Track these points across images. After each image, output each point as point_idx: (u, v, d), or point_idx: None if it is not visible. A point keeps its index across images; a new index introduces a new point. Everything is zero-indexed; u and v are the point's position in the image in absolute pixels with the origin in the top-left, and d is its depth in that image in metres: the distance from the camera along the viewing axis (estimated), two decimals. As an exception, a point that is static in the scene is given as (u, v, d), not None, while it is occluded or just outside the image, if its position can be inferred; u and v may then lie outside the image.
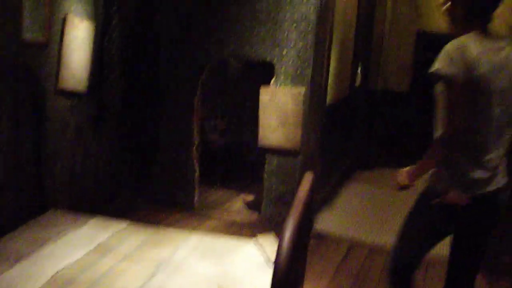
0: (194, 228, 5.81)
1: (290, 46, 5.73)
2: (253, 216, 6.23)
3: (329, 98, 6.51)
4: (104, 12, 5.35)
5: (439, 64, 2.82)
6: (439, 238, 3.17)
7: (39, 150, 4.68)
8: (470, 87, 2.77)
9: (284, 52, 5.74)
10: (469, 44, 2.79)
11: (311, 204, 3.26)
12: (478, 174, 2.88)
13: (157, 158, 6.40)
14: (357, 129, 8.92)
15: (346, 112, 7.95)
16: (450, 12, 3.03)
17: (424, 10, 9.48)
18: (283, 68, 5.76)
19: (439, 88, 2.96)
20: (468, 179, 2.88)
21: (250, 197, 6.73)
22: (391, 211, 7.14)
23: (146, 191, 6.45)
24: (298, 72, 5.72)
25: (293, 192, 5.80)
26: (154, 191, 6.45)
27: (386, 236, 6.13)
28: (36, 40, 4.55)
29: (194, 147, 6.25)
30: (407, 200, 7.62)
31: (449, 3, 3.00)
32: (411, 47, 9.59)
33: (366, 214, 6.87)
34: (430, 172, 3.06)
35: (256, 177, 6.74)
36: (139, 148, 6.29)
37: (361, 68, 8.43)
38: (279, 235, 2.26)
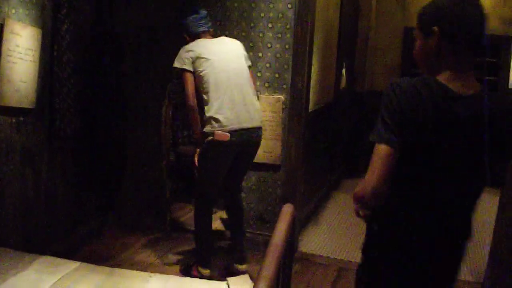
0: (166, 253, 5.24)
1: (266, 48, 5.19)
2: (232, 237, 5.61)
3: (312, 104, 5.91)
4: (52, 16, 4.68)
5: (175, 63, 4.53)
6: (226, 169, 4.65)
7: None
8: (203, 74, 4.44)
9: (260, 55, 5.19)
10: (194, 46, 4.54)
11: (292, 241, 2.87)
12: (230, 118, 4.39)
13: (123, 177, 5.81)
14: (344, 135, 8.35)
15: (331, 117, 7.37)
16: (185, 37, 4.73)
17: (411, 6, 9.03)
18: (259, 73, 5.19)
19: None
20: (223, 123, 4.36)
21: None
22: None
23: (112, 215, 5.85)
24: (276, 77, 5.17)
25: (274, 211, 5.28)
26: (121, 213, 5.86)
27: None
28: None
29: (164, 162, 5.66)
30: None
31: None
32: (399, 45, 9.11)
33: (356, 230, 6.28)
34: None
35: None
36: (102, 168, 5.66)
37: (346, 70, 7.85)
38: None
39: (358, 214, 2.54)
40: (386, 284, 2.39)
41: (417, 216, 2.25)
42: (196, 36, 4.67)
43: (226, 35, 5.21)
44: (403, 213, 2.25)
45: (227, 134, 4.37)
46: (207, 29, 4.71)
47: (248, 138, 4.53)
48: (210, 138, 4.41)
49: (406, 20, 9.06)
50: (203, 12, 4.73)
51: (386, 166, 2.15)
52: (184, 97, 4.56)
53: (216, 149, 4.45)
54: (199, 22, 4.67)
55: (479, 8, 2.19)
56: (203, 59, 4.48)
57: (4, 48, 4.10)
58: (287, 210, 2.83)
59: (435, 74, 2.22)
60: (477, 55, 2.24)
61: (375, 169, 2.17)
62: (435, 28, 2.24)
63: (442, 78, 2.18)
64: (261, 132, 4.65)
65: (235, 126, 4.42)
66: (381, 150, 2.17)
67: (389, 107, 2.14)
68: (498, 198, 4.78)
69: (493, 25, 8.61)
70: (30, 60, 4.40)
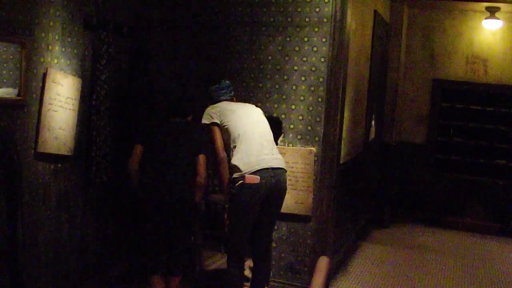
0: (195, 302, 5.27)
1: (298, 100, 5.27)
2: (261, 287, 5.60)
3: (342, 156, 5.96)
4: (91, 66, 4.82)
5: (204, 120, 4.81)
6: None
7: (15, 222, 4.09)
8: (229, 124, 4.71)
9: (293, 107, 5.27)
10: (219, 104, 4.88)
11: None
12: (257, 160, 4.54)
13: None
14: (371, 185, 8.35)
15: (361, 168, 7.39)
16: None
17: (439, 58, 9.13)
18: (291, 125, 5.25)
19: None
20: (251, 165, 4.51)
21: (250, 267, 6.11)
22: (410, 275, 6.60)
23: (142, 261, 5.86)
24: (309, 129, 5.23)
25: (305, 262, 5.29)
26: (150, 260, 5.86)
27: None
28: (11, 99, 4.01)
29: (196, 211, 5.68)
30: (426, 262, 7.06)
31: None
32: (427, 97, 9.19)
33: (385, 283, 6.26)
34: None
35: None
36: (134, 214, 5.71)
37: (375, 121, 7.90)
38: None
39: None
40: None
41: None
42: (217, 102, 4.94)
43: (260, 88, 5.37)
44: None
45: (257, 176, 4.47)
46: (228, 98, 4.97)
47: (276, 181, 4.59)
48: (240, 182, 4.48)
49: (435, 72, 9.14)
50: (225, 83, 4.98)
51: (138, 153, 4.77)
52: (214, 149, 4.75)
53: (247, 193, 4.50)
54: (220, 92, 4.94)
55: None
56: (228, 112, 4.76)
57: (45, 96, 4.23)
58: (322, 262, 2.85)
59: None
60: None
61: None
62: None
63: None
64: (286, 176, 4.74)
65: (262, 165, 4.53)
66: (136, 147, 4.77)
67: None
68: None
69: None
70: (70, 109, 4.53)
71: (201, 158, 4.80)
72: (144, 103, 5.64)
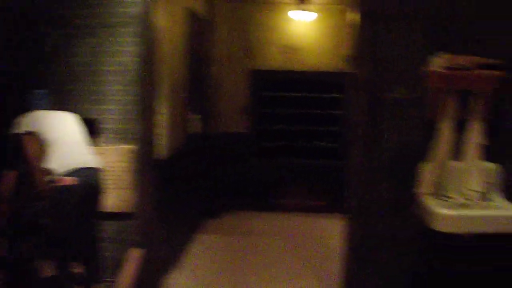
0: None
1: (114, 100, 5.30)
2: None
3: (165, 151, 6.09)
4: None
5: (14, 130, 4.71)
6: None
7: None
8: (39, 132, 4.77)
9: (108, 108, 5.30)
10: (28, 113, 4.82)
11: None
12: (68, 162, 4.72)
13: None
14: (200, 177, 8.56)
15: (185, 162, 7.56)
16: None
17: (257, 49, 9.50)
18: (108, 125, 5.30)
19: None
20: (62, 166, 4.66)
21: (80, 268, 6.08)
22: (242, 259, 6.89)
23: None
24: (125, 127, 5.29)
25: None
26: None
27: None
28: None
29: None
30: (257, 245, 7.36)
31: None
32: (247, 87, 9.52)
33: (220, 270, 6.49)
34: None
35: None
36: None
37: (199, 115, 8.10)
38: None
39: None
40: None
41: None
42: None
43: (74, 91, 5.33)
44: None
45: (74, 178, 4.63)
46: (43, 107, 4.98)
47: (92, 180, 4.81)
48: (57, 184, 4.59)
49: (253, 63, 9.53)
50: (38, 93, 5.05)
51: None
52: (26, 159, 4.73)
53: (65, 194, 4.62)
54: (34, 102, 4.98)
55: None
56: (39, 119, 4.81)
57: None
58: (133, 254, 2.96)
59: None
60: None
61: None
62: None
63: None
64: (100, 174, 4.90)
65: (76, 166, 4.71)
66: None
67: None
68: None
69: (335, 63, 9.26)
70: None
71: (5, 173, 4.80)
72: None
